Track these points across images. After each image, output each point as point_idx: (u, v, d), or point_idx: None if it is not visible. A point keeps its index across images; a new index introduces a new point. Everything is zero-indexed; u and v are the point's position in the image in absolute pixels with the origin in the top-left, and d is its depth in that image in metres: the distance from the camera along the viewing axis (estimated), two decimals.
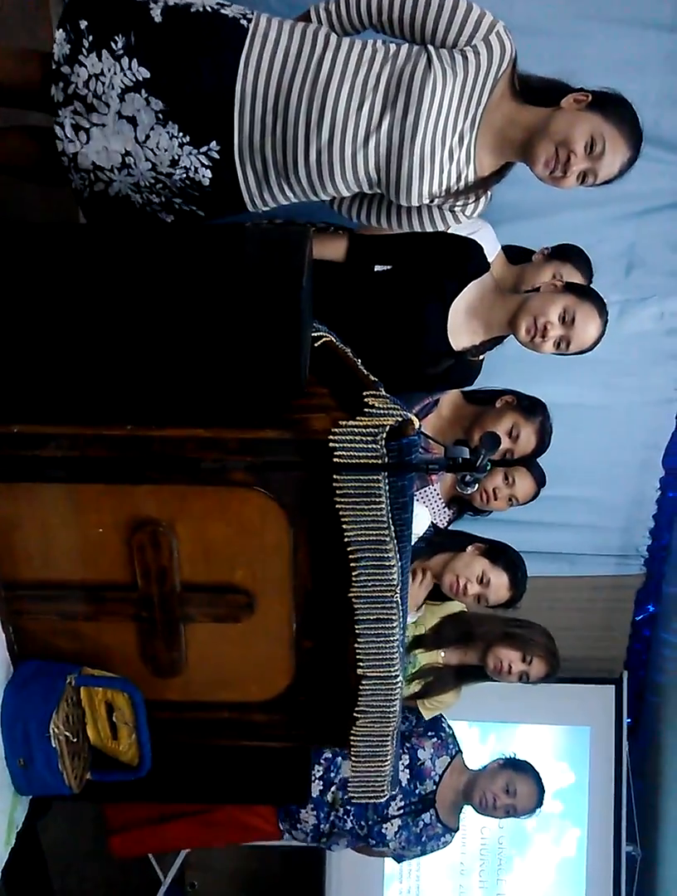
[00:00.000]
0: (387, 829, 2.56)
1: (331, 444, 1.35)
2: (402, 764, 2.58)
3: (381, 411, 1.35)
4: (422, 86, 1.63)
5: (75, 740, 1.58)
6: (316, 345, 1.49)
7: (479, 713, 3.42)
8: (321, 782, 2.55)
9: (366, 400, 1.37)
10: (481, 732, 3.59)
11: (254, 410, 1.41)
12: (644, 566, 3.61)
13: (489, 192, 1.86)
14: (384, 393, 1.39)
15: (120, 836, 2.95)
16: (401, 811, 2.57)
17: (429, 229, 1.87)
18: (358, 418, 1.35)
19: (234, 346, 1.38)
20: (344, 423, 1.35)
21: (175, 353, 1.39)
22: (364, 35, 1.75)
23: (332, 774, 2.56)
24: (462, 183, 1.76)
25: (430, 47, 1.66)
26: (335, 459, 1.35)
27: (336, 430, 1.35)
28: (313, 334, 1.49)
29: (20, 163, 1.90)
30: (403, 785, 2.57)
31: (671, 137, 2.74)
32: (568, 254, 2.15)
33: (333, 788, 2.56)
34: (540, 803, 2.64)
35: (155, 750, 1.60)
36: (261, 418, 1.40)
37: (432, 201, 1.78)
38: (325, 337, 1.50)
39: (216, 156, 1.69)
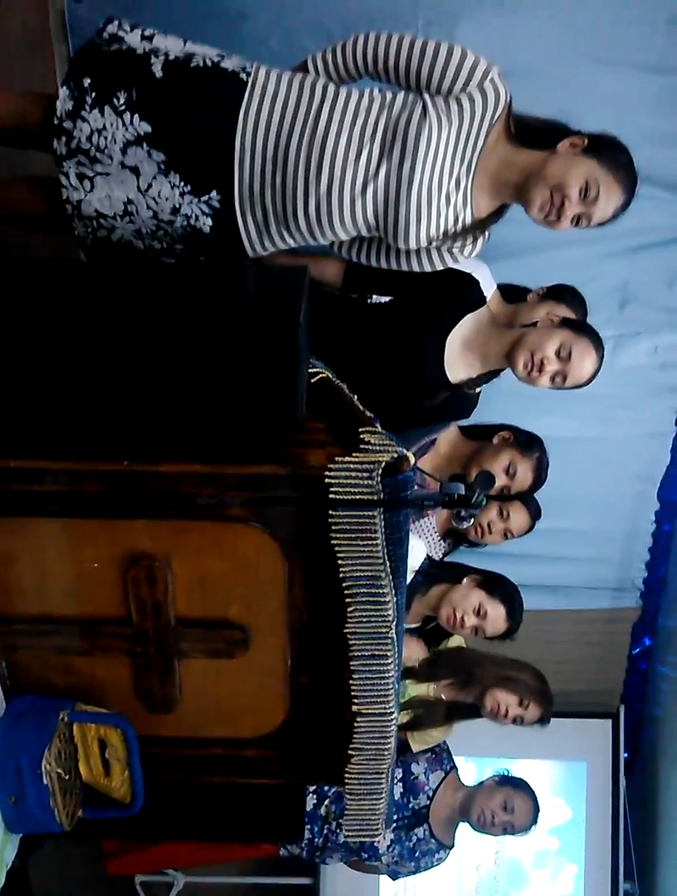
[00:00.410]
0: (379, 843, 2.55)
1: (327, 480, 1.35)
2: (396, 778, 2.57)
3: (377, 447, 1.36)
4: (417, 134, 1.66)
5: (67, 777, 1.57)
6: (312, 380, 1.50)
7: (476, 748, 3.39)
8: (314, 796, 2.54)
9: (362, 436, 1.38)
10: (477, 767, 3.55)
11: (251, 446, 1.41)
12: (640, 599, 3.61)
13: (487, 232, 1.88)
14: (380, 429, 1.39)
15: (116, 860, 2.93)
16: (394, 825, 2.55)
17: (427, 270, 1.89)
18: (354, 454, 1.36)
19: (232, 382, 1.39)
20: (340, 458, 1.36)
21: (172, 389, 1.40)
22: (360, 83, 1.78)
23: (326, 788, 2.54)
24: (459, 225, 1.79)
25: (426, 95, 1.69)
26: (331, 495, 1.35)
27: (332, 466, 1.35)
28: (310, 370, 1.50)
29: (27, 214, 1.93)
30: (396, 799, 2.56)
31: (662, 175, 2.78)
32: (562, 294, 2.18)
33: (326, 802, 2.55)
34: (535, 820, 2.63)
35: (147, 786, 1.59)
36: (257, 453, 1.41)
37: (430, 244, 1.80)
38: (322, 373, 1.51)
39: (217, 205, 1.72)
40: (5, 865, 1.57)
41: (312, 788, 2.55)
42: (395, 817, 2.57)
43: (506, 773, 2.72)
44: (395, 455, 1.35)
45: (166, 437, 1.41)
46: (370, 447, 1.37)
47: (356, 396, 1.51)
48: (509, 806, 2.57)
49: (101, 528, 1.46)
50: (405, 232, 1.74)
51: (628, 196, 1.76)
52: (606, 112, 2.69)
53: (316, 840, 2.59)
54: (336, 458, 1.36)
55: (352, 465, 1.35)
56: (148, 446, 1.41)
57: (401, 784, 2.60)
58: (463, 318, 1.99)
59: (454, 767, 2.69)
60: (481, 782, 2.69)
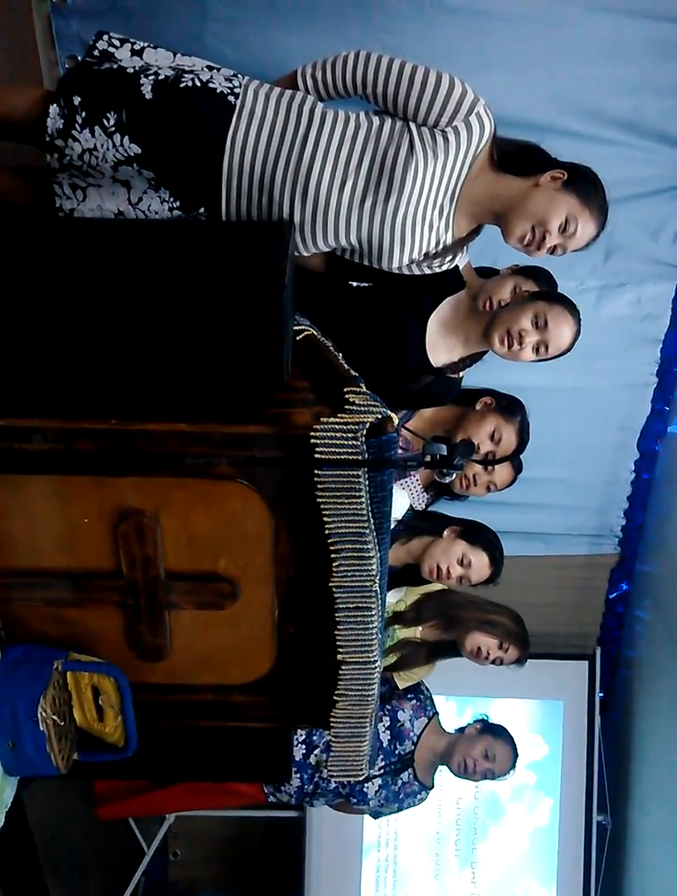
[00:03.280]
0: (368, 788, 2.65)
1: (312, 441, 1.38)
2: (383, 725, 2.66)
3: (362, 408, 1.39)
4: (404, 170, 1.69)
5: (62, 723, 1.62)
6: (298, 338, 1.51)
7: (456, 688, 3.50)
8: (304, 746, 2.63)
9: (346, 396, 1.41)
10: (458, 706, 3.67)
11: (237, 404, 1.44)
12: (618, 546, 3.69)
13: (465, 248, 1.93)
14: (364, 389, 1.42)
15: (107, 806, 3.02)
16: (382, 771, 2.66)
17: (405, 274, 1.91)
18: (339, 415, 1.39)
19: (217, 340, 1.40)
20: (325, 419, 1.39)
21: (159, 348, 1.41)
22: (348, 104, 1.78)
23: (315, 737, 2.64)
24: (439, 247, 1.84)
25: (412, 125, 1.70)
26: (316, 455, 1.39)
27: (317, 426, 1.38)
28: (295, 327, 1.51)
29: (15, 202, 1.91)
30: (384, 745, 2.66)
31: (648, 125, 2.76)
32: (533, 272, 2.20)
33: (316, 751, 2.64)
34: (514, 766, 2.72)
35: (140, 731, 1.65)
36: (244, 412, 1.43)
37: (411, 263, 1.85)
38: (307, 330, 1.52)
39: (204, 220, 1.75)
40: (5, 806, 1.64)
41: (301, 739, 2.64)
42: (383, 763, 2.67)
43: (486, 719, 2.80)
44: (379, 416, 1.38)
45: (153, 396, 1.43)
46: (354, 408, 1.39)
47: (340, 355, 1.53)
48: (490, 754, 2.65)
49: (91, 485, 1.50)
50: (388, 257, 1.79)
51: (600, 228, 1.82)
52: (596, 59, 2.68)
53: (306, 787, 2.70)
54: (321, 419, 1.39)
55: (337, 426, 1.38)
56: (136, 405, 1.43)
57: (388, 732, 2.69)
58: (443, 300, 2.01)
59: (436, 713, 2.78)
60: (462, 728, 2.77)
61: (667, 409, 3.35)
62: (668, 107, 2.75)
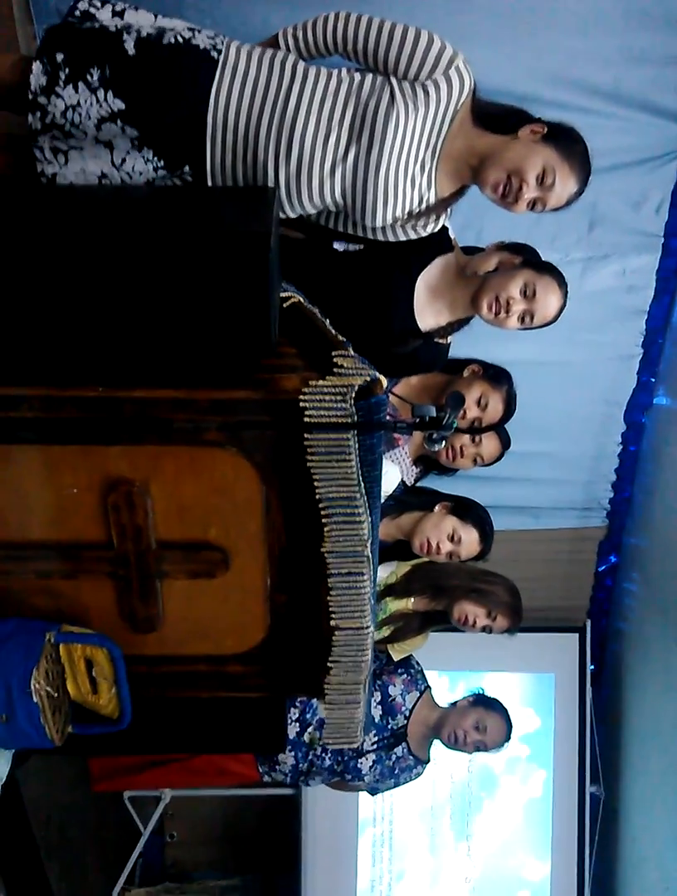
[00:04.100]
0: (362, 763, 2.66)
1: (301, 404, 1.38)
2: (375, 701, 2.67)
3: (350, 371, 1.39)
4: (385, 121, 1.69)
5: (56, 695, 1.62)
6: (284, 305, 1.51)
7: (448, 662, 3.52)
8: (297, 724, 2.64)
9: (334, 359, 1.40)
10: (450, 681, 3.69)
11: (225, 370, 1.43)
12: (606, 518, 3.71)
13: (449, 210, 1.92)
14: (352, 353, 1.42)
15: (103, 784, 3.03)
16: (375, 746, 2.66)
17: (391, 240, 1.92)
18: (327, 378, 1.39)
19: (204, 306, 1.40)
20: (314, 382, 1.39)
21: (145, 314, 1.41)
22: (330, 62, 1.78)
23: (308, 715, 2.64)
24: (423, 205, 1.84)
25: (393, 80, 1.71)
26: (306, 419, 1.38)
27: (306, 390, 1.38)
28: (281, 294, 1.51)
29: None
30: (376, 720, 2.67)
31: (630, 95, 2.77)
32: (518, 249, 2.20)
33: (310, 729, 2.64)
34: (508, 738, 2.73)
35: (134, 703, 1.65)
36: (231, 378, 1.43)
37: (395, 222, 1.85)
38: (293, 297, 1.52)
39: (189, 179, 1.74)
40: (0, 779, 1.64)
41: (294, 717, 2.64)
42: (376, 738, 2.67)
43: (480, 693, 2.80)
44: (368, 378, 1.38)
45: (140, 363, 1.43)
46: (343, 371, 1.39)
47: (328, 321, 1.52)
48: (481, 725, 2.66)
49: (79, 454, 1.49)
50: (372, 212, 1.79)
51: (582, 185, 1.81)
52: (577, 31, 2.68)
53: (300, 766, 2.70)
54: (310, 383, 1.39)
55: (325, 389, 1.38)
56: (123, 372, 1.42)
57: (379, 707, 2.70)
58: (431, 261, 2.01)
59: (428, 687, 2.79)
60: (455, 702, 2.78)
61: (653, 380, 3.37)
62: (650, 76, 2.76)
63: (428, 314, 2.02)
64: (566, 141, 1.77)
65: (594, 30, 2.67)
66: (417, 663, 2.80)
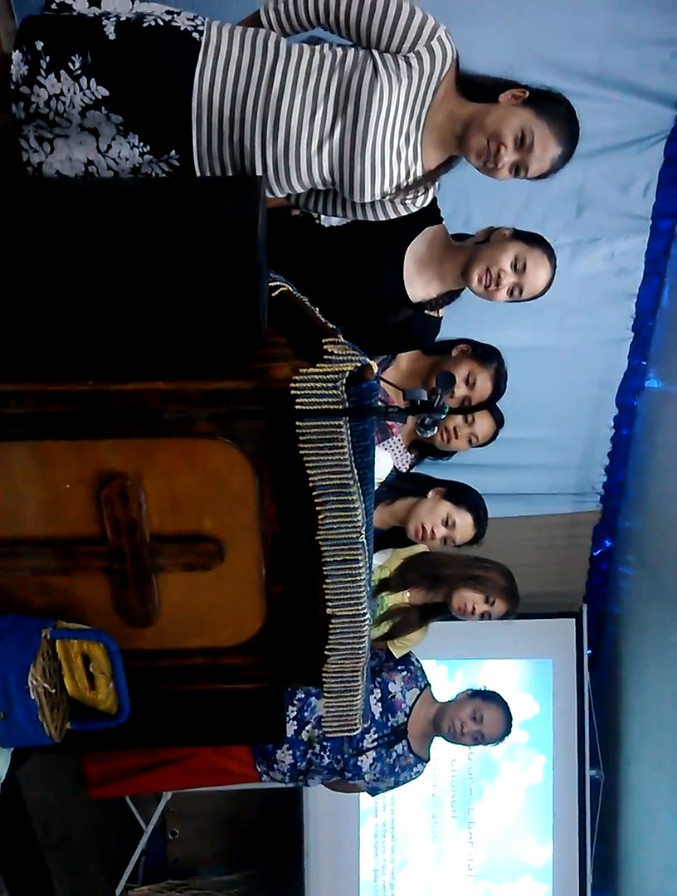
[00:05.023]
0: (362, 761, 2.65)
1: (292, 392, 1.37)
2: (374, 698, 2.67)
3: (340, 358, 1.38)
4: (370, 94, 1.68)
5: (54, 692, 1.61)
6: (273, 295, 1.50)
7: (446, 651, 3.53)
8: (295, 722, 2.63)
9: (324, 347, 1.39)
10: (449, 670, 3.70)
11: (215, 361, 1.42)
12: (600, 503, 3.72)
13: (437, 183, 1.92)
14: (342, 340, 1.41)
15: (100, 789, 3.01)
16: (375, 743, 2.66)
17: (381, 219, 1.91)
18: (318, 365, 1.38)
19: (193, 297, 1.39)
20: (304, 370, 1.38)
21: (133, 306, 1.39)
22: (312, 40, 1.78)
23: (306, 713, 2.64)
24: (410, 178, 1.83)
25: (375, 52, 1.70)
26: (297, 407, 1.38)
27: (297, 377, 1.37)
28: (270, 284, 1.50)
29: None
30: (376, 718, 2.66)
31: (616, 76, 2.77)
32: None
33: (308, 727, 2.64)
34: (508, 729, 2.73)
35: (133, 697, 1.64)
36: (221, 369, 1.42)
37: (383, 197, 1.84)
38: (282, 286, 1.51)
39: (176, 163, 1.73)
40: (0, 779, 1.63)
41: (292, 715, 2.63)
42: (376, 736, 2.67)
43: (478, 688, 2.80)
44: (359, 364, 1.37)
45: (129, 355, 1.41)
46: (333, 357, 1.38)
47: (318, 309, 1.52)
48: (478, 716, 2.66)
49: (70, 449, 1.48)
50: (360, 187, 1.78)
51: (566, 147, 1.78)
52: (561, 12, 2.67)
53: (298, 765, 2.69)
54: (300, 370, 1.38)
55: (316, 376, 1.37)
56: (112, 365, 1.41)
57: (379, 704, 2.69)
58: (420, 231, 2.00)
59: (428, 684, 2.78)
60: (453, 697, 2.78)
61: (644, 363, 3.38)
62: (635, 58, 2.76)
63: (417, 284, 2.02)
64: (547, 103, 1.76)
65: (578, 11, 2.67)
66: (417, 660, 2.79)
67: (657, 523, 3.47)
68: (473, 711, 2.67)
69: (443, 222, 2.07)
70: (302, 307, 1.51)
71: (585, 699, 3.73)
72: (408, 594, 2.57)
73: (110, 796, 3.33)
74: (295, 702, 2.61)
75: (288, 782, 2.81)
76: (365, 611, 1.57)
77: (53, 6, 1.73)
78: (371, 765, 2.67)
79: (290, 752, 2.67)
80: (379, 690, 2.70)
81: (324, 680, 1.65)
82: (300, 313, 1.49)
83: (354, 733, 1.77)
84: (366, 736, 2.63)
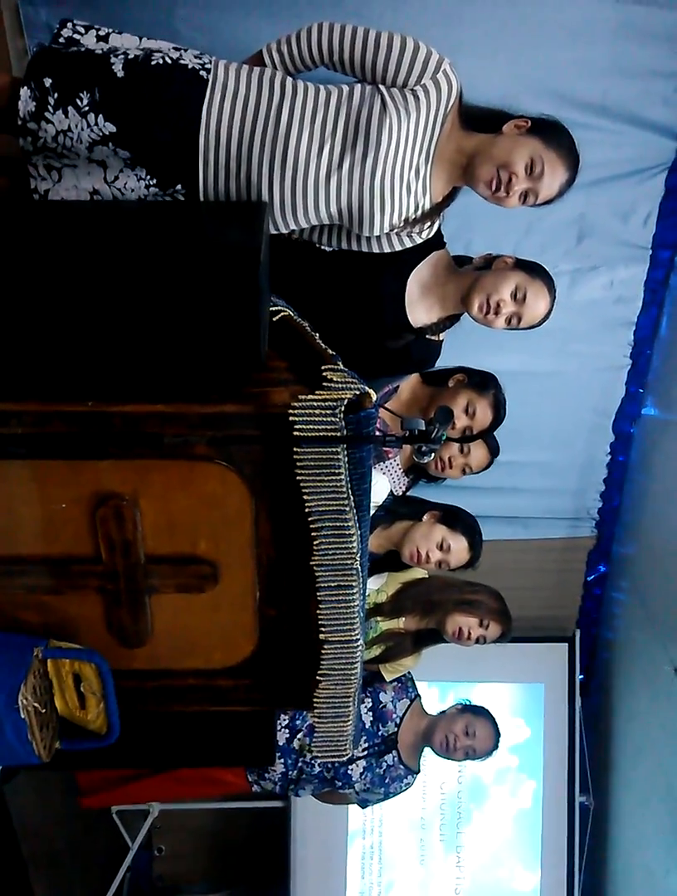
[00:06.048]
0: (352, 770, 2.66)
1: (291, 418, 1.38)
2: (365, 707, 2.68)
3: (339, 385, 1.39)
4: (379, 128, 1.70)
5: (44, 711, 1.61)
6: (274, 319, 1.51)
7: (438, 673, 3.51)
8: (287, 731, 2.63)
9: (324, 373, 1.40)
10: (440, 691, 3.68)
11: (215, 385, 1.43)
12: (595, 528, 3.72)
13: (442, 215, 1.94)
14: (342, 367, 1.42)
15: (90, 797, 3.01)
16: (366, 752, 2.66)
17: (387, 251, 1.93)
18: (317, 392, 1.39)
19: (194, 321, 1.40)
20: (303, 396, 1.39)
21: (135, 329, 1.40)
22: (318, 79, 1.79)
23: (298, 722, 2.64)
24: (418, 211, 1.85)
25: (382, 87, 1.72)
26: (295, 432, 1.38)
27: (295, 404, 1.38)
28: (271, 308, 1.51)
29: None
30: (366, 727, 2.67)
31: (618, 108, 2.79)
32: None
33: (299, 735, 2.64)
34: (496, 745, 2.74)
35: (123, 717, 1.64)
36: (221, 392, 1.42)
37: (391, 230, 1.86)
38: (283, 311, 1.53)
39: (181, 198, 1.74)
40: None
41: (284, 723, 2.64)
42: (366, 745, 2.67)
43: (468, 703, 2.82)
44: (357, 392, 1.38)
45: (130, 377, 1.42)
46: (332, 384, 1.39)
47: (318, 335, 1.53)
48: (471, 731, 2.67)
49: (67, 469, 1.48)
50: (370, 221, 1.79)
51: (571, 173, 1.82)
52: (566, 43, 2.69)
53: (290, 773, 2.69)
54: (299, 396, 1.39)
55: (315, 403, 1.38)
56: (112, 387, 1.42)
57: (370, 713, 2.70)
58: (423, 258, 2.02)
59: (418, 696, 2.80)
60: (444, 711, 2.79)
61: (642, 391, 3.38)
62: (638, 89, 2.78)
63: (420, 309, 2.04)
64: (550, 131, 1.80)
65: (582, 42, 2.68)
66: (408, 672, 2.80)
67: (651, 550, 3.47)
68: (466, 726, 2.69)
69: (446, 246, 2.09)
70: (302, 332, 1.52)
71: (576, 724, 3.72)
72: (403, 620, 2.57)
73: (102, 806, 3.32)
74: (286, 710, 2.60)
75: (278, 792, 2.81)
76: (358, 637, 1.57)
77: (61, 39, 1.74)
78: (361, 774, 2.68)
79: (282, 760, 2.67)
80: (370, 700, 2.71)
81: (315, 705, 1.65)
82: (300, 339, 1.51)
83: (343, 759, 1.76)
84: (357, 745, 2.63)
